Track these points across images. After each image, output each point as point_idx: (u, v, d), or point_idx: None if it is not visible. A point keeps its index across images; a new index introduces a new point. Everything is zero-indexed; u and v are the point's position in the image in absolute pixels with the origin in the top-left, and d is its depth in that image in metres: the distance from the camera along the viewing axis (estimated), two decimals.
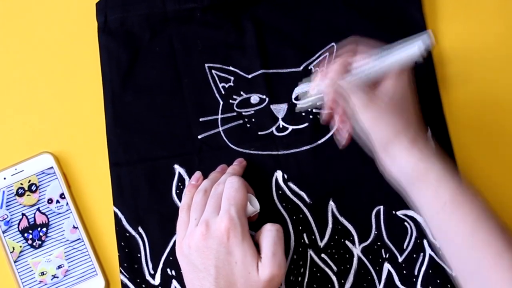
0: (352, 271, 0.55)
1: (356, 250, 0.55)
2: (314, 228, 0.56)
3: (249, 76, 0.60)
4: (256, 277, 0.47)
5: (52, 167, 0.57)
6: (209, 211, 0.49)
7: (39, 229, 0.56)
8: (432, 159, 0.48)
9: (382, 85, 0.49)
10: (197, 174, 0.56)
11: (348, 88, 0.49)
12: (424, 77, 0.59)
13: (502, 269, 0.44)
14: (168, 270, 0.55)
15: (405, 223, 0.56)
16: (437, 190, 0.47)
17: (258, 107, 0.59)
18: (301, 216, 0.56)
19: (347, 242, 0.56)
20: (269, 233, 0.49)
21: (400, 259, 0.55)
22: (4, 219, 0.56)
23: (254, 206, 0.51)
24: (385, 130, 0.49)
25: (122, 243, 0.56)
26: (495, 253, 0.45)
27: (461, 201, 0.47)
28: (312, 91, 0.53)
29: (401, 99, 0.49)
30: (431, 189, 0.48)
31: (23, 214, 0.56)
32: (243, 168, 0.56)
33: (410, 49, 0.48)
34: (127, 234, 0.56)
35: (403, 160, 0.48)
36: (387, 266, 0.55)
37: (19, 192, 0.57)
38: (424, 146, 0.48)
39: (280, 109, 0.58)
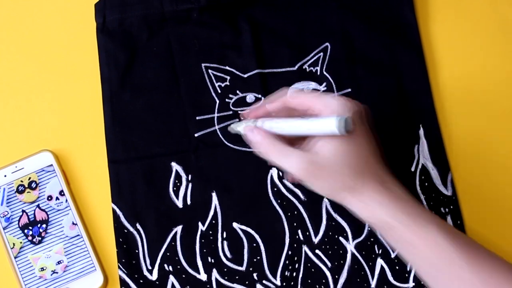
0: (346, 267, 0.56)
1: (350, 246, 0.56)
2: (309, 225, 0.57)
3: (245, 76, 0.60)
4: None
5: (51, 165, 0.58)
6: None
7: (39, 225, 0.56)
8: (378, 207, 0.47)
9: (316, 144, 0.47)
10: None
11: (280, 150, 0.48)
12: (416, 77, 0.60)
13: None
14: (166, 265, 0.56)
15: None
16: (391, 233, 0.48)
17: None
18: (295, 212, 0.57)
19: (341, 238, 0.56)
20: None
21: (392, 255, 0.56)
22: (5, 215, 0.56)
23: None
24: (328, 189, 0.49)
25: (120, 239, 0.56)
26: (459, 280, 0.46)
27: (415, 239, 0.47)
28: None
29: (337, 156, 0.47)
30: (387, 233, 0.49)
31: (23, 211, 0.57)
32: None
33: (326, 127, 0.46)
34: (125, 231, 0.57)
35: (354, 209, 0.49)
36: (380, 262, 0.56)
37: (19, 189, 0.57)
38: (370, 194, 0.47)
39: None
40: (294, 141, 0.50)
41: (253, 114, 0.52)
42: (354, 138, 0.47)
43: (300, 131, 0.48)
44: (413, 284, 0.55)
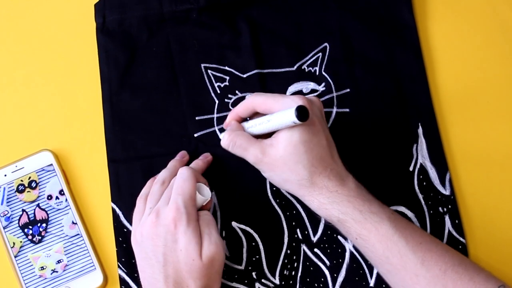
0: (345, 265, 0.56)
1: (348, 245, 0.56)
2: (307, 224, 0.57)
3: (244, 76, 0.61)
4: (198, 262, 0.48)
5: (51, 164, 0.58)
6: (162, 201, 0.51)
7: (39, 224, 0.57)
8: (329, 204, 0.49)
9: (274, 138, 0.50)
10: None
11: (242, 143, 0.51)
12: (414, 77, 0.60)
13: (422, 286, 0.47)
14: None
15: None
16: (345, 229, 0.50)
17: None
18: (294, 212, 0.57)
19: (339, 237, 0.56)
20: (205, 220, 0.51)
21: None
22: (5, 215, 0.57)
23: (204, 195, 0.52)
24: (279, 181, 0.51)
25: (120, 239, 0.57)
26: (412, 273, 0.47)
27: (366, 235, 0.49)
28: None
29: (291, 154, 0.49)
30: (341, 228, 0.51)
31: (23, 210, 0.57)
32: (207, 164, 0.57)
33: (285, 117, 0.48)
34: (125, 230, 0.57)
35: (307, 205, 0.51)
36: None
37: (20, 189, 0.57)
38: (321, 192, 0.49)
39: None
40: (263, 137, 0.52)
41: (227, 121, 0.55)
42: (309, 132, 0.49)
43: (265, 127, 0.50)
44: None
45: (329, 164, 0.50)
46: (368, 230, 0.48)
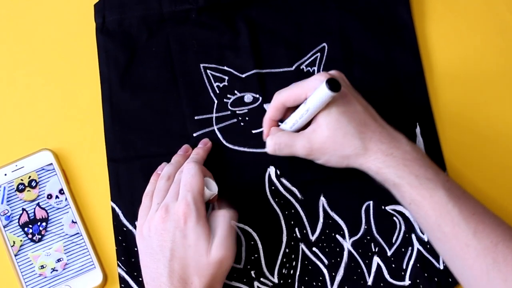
0: (343, 264, 0.56)
1: (347, 244, 0.57)
2: (306, 223, 0.57)
3: (243, 76, 0.61)
4: (206, 259, 0.48)
5: (51, 164, 0.58)
6: (170, 197, 0.51)
7: (39, 223, 0.57)
8: (386, 168, 0.50)
9: (315, 122, 0.51)
10: (163, 164, 0.57)
11: (287, 141, 0.53)
12: (412, 76, 0.61)
13: (472, 257, 0.47)
14: None
15: (394, 218, 0.57)
16: (400, 193, 0.50)
17: (251, 106, 0.60)
18: (293, 211, 0.57)
19: (337, 236, 0.57)
20: (224, 218, 0.51)
21: (389, 253, 0.56)
22: (5, 214, 0.57)
23: (211, 190, 0.53)
24: (336, 160, 0.52)
25: (120, 237, 0.57)
26: (462, 243, 0.47)
27: (420, 201, 0.49)
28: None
29: (336, 129, 0.50)
30: (396, 192, 0.51)
31: (23, 209, 0.57)
32: (207, 151, 0.58)
33: (319, 95, 0.49)
34: (124, 229, 0.57)
35: (366, 172, 0.52)
36: (376, 260, 0.56)
37: (20, 188, 0.58)
38: (376, 156, 0.50)
39: None
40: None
41: (265, 132, 0.57)
42: (344, 103, 0.50)
43: (306, 117, 0.51)
44: (409, 282, 0.55)
45: (376, 127, 0.51)
46: (423, 196, 0.48)
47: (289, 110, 0.54)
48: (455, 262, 0.49)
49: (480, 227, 0.47)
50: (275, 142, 0.53)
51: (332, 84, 0.47)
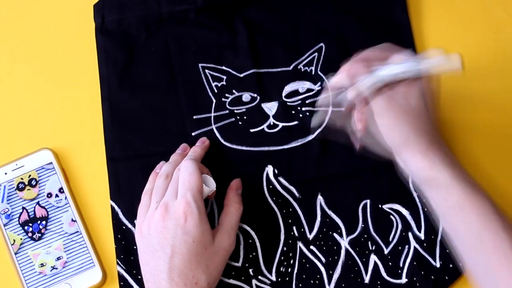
0: (340, 263, 0.56)
1: (344, 242, 0.57)
2: (303, 221, 0.57)
3: (241, 75, 0.61)
4: (213, 248, 0.50)
5: (51, 163, 0.59)
6: (169, 195, 0.52)
7: (38, 222, 0.57)
8: (441, 166, 0.49)
9: (397, 91, 0.50)
10: (161, 163, 0.58)
11: (369, 91, 0.50)
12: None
13: (508, 270, 0.46)
14: None
15: (391, 217, 0.57)
16: (445, 195, 0.49)
17: (249, 105, 0.60)
18: (290, 209, 0.58)
19: (335, 234, 0.57)
20: (233, 215, 0.54)
21: (386, 251, 0.57)
22: (5, 212, 0.57)
23: (209, 186, 0.53)
24: (399, 137, 0.50)
25: (119, 236, 0.57)
26: (501, 254, 0.46)
27: (467, 206, 0.48)
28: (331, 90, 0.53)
29: (414, 107, 0.49)
30: (440, 194, 0.50)
31: (23, 208, 0.57)
32: (205, 149, 0.58)
33: (435, 61, 0.48)
34: (124, 227, 0.57)
35: (413, 166, 0.50)
36: (373, 258, 0.56)
37: (20, 187, 0.58)
38: (435, 154, 0.49)
39: (271, 107, 0.60)
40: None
41: (350, 71, 0.51)
42: (404, 97, 0.49)
43: (405, 74, 0.48)
44: (406, 280, 0.56)
45: (438, 134, 0.51)
46: (471, 201, 0.48)
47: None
48: (486, 275, 0.48)
49: None
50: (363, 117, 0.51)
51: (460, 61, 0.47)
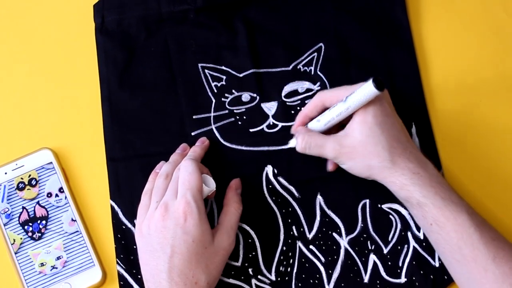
0: (339, 262, 0.57)
1: (343, 242, 0.57)
2: (303, 221, 0.58)
3: (241, 75, 0.61)
4: (212, 248, 0.50)
5: (51, 162, 0.59)
6: (168, 195, 0.52)
7: (38, 221, 0.57)
8: (411, 187, 0.50)
9: (349, 127, 0.52)
10: (161, 163, 0.58)
11: (317, 142, 0.53)
12: (408, 76, 0.61)
13: (489, 281, 0.47)
14: None
15: (390, 216, 0.57)
16: (422, 213, 0.51)
17: (249, 105, 0.60)
18: (290, 209, 0.58)
19: (334, 234, 0.57)
20: (233, 215, 0.54)
21: (385, 251, 0.57)
22: (5, 212, 0.57)
23: (209, 186, 0.54)
24: (364, 171, 0.52)
25: (119, 235, 0.57)
26: (482, 268, 0.48)
27: (443, 222, 0.49)
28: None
29: (368, 136, 0.51)
30: (417, 212, 0.51)
31: (23, 208, 0.58)
32: (205, 149, 0.58)
33: (364, 91, 0.49)
34: (124, 227, 0.57)
35: (390, 188, 0.52)
36: (372, 257, 0.57)
37: (20, 186, 0.58)
38: (403, 174, 0.51)
39: (270, 107, 0.60)
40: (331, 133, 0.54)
41: (296, 125, 0.57)
42: (382, 114, 0.51)
43: (341, 116, 0.52)
44: (405, 279, 0.56)
45: (407, 146, 0.51)
46: (446, 218, 0.49)
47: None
48: (470, 286, 0.49)
49: (500, 253, 0.48)
50: (307, 141, 0.54)
51: (378, 83, 0.48)
